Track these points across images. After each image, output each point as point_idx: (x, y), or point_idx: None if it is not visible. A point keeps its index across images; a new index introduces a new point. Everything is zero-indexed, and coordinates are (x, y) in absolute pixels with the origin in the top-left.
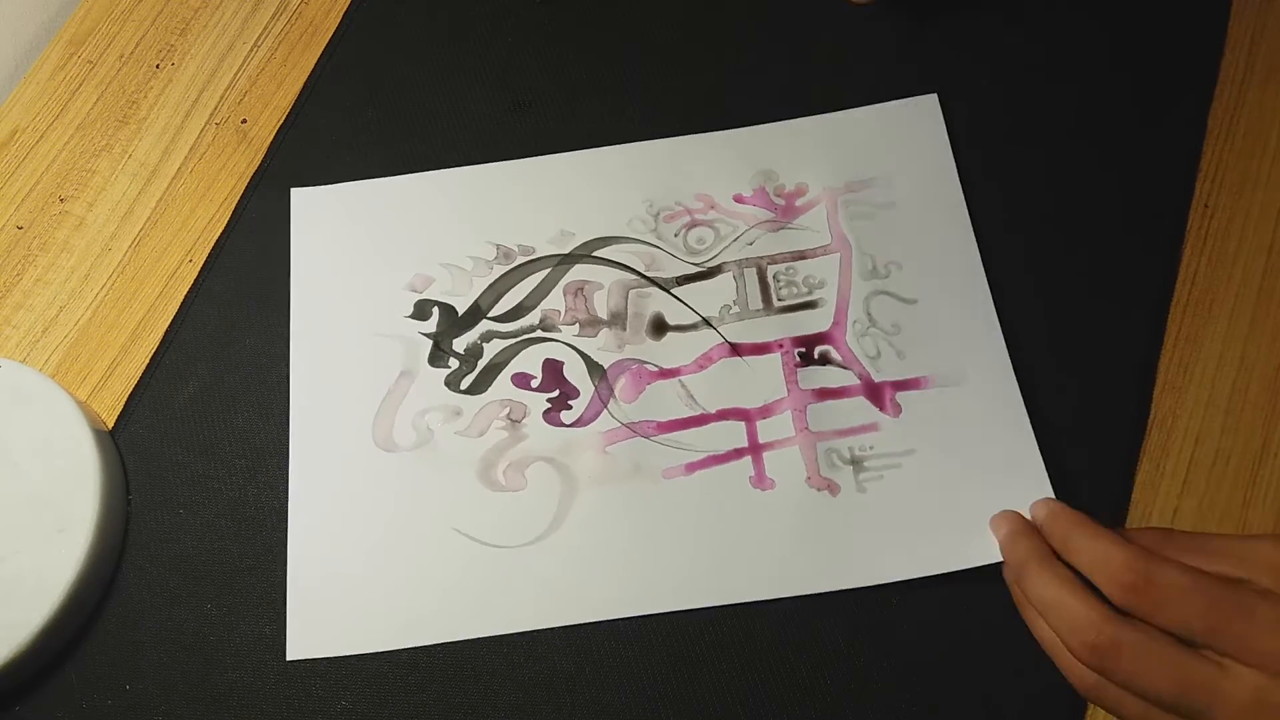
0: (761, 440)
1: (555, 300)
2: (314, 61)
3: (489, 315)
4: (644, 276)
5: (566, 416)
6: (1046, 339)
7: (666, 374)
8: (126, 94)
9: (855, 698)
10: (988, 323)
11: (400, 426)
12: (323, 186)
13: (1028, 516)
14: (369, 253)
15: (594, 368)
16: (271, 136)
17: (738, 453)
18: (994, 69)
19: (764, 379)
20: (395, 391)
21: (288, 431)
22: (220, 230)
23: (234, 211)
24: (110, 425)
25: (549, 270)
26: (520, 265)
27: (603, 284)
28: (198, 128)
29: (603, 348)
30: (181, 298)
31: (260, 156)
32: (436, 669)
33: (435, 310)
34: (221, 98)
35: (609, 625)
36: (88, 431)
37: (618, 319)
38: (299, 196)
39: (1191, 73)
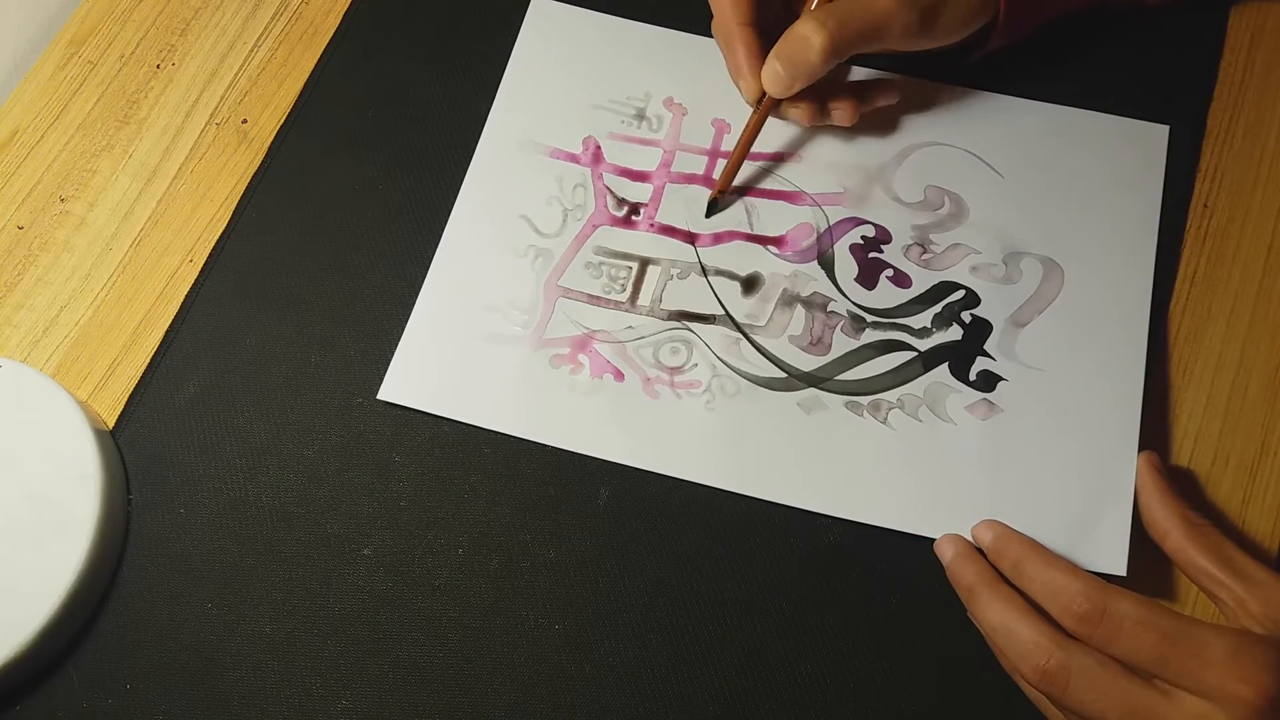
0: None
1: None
2: (314, 61)
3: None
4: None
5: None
6: None
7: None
8: (127, 94)
9: (855, 697)
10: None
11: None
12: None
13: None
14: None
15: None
16: (272, 136)
17: None
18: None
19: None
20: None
21: (288, 425)
22: (221, 230)
23: (234, 211)
24: (111, 425)
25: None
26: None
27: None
28: (198, 128)
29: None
30: (182, 298)
31: (260, 156)
32: (436, 665)
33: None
34: (222, 98)
35: (609, 624)
36: (88, 431)
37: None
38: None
39: (1191, 73)
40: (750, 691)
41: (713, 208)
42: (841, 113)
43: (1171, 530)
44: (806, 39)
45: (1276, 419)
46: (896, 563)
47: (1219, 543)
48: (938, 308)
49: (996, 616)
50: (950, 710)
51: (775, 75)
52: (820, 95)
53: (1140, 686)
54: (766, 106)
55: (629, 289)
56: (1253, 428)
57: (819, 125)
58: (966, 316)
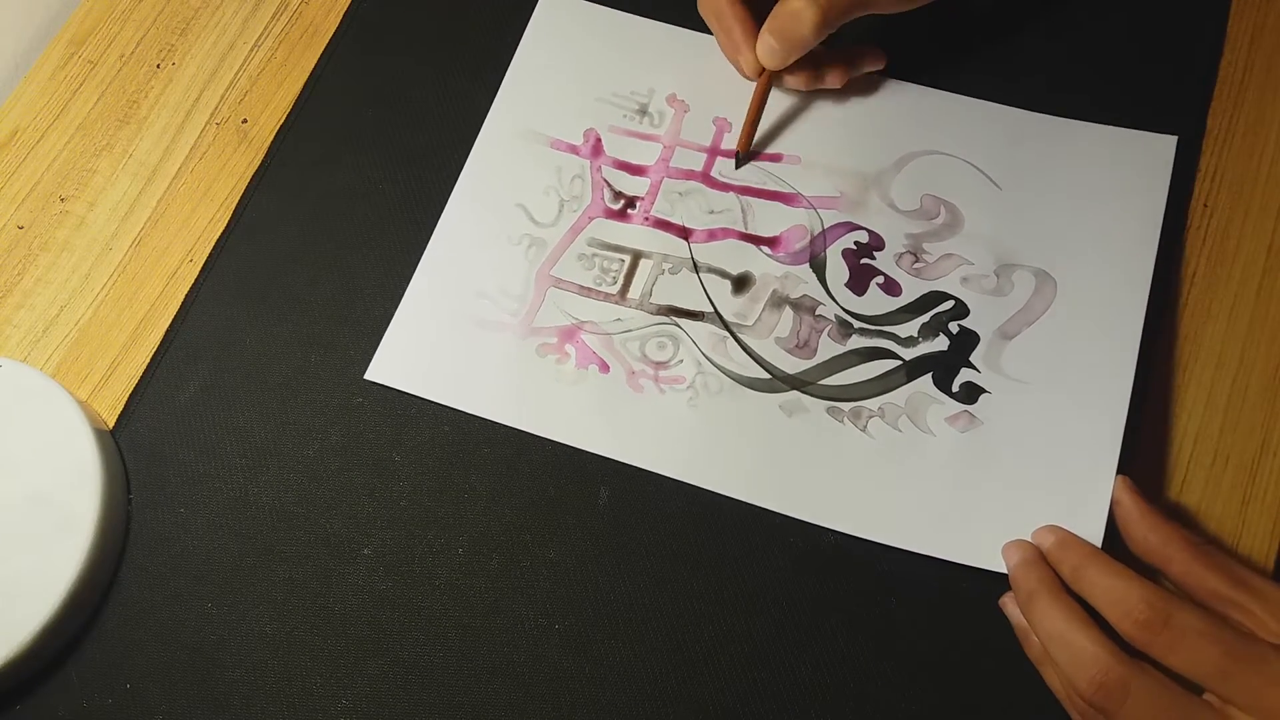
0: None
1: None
2: (314, 61)
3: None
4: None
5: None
6: None
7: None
8: (127, 94)
9: (855, 698)
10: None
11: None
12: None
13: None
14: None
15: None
16: (271, 136)
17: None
18: (1010, 67)
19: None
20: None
21: (288, 425)
22: (221, 230)
23: (234, 212)
24: (111, 425)
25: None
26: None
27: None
28: (198, 127)
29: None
30: (182, 298)
31: (260, 156)
32: (436, 664)
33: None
34: (222, 98)
35: (609, 624)
36: (88, 431)
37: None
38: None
39: (1191, 73)
40: (750, 691)
41: (740, 161)
42: (833, 76)
43: (1175, 555)
44: (798, 13)
45: (1276, 419)
46: (897, 563)
47: (1225, 562)
48: (925, 317)
49: (1056, 625)
50: (950, 711)
51: (770, 49)
52: (814, 61)
53: (1197, 706)
54: (767, 78)
55: (620, 282)
56: (1253, 427)
57: (814, 89)
58: (954, 327)
